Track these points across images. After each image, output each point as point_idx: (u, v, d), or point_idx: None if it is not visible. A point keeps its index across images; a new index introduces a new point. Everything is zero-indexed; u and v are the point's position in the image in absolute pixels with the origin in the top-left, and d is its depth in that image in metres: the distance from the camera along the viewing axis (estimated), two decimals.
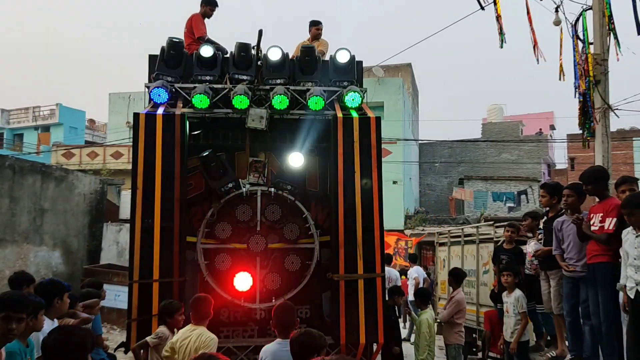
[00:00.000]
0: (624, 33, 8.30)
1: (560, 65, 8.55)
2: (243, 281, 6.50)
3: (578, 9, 8.52)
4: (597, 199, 5.63)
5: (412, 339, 8.32)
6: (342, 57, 6.78)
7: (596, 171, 5.90)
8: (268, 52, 6.68)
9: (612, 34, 8.14)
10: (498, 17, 8.27)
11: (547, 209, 6.70)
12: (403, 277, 15.25)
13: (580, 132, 8.66)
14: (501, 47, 8.38)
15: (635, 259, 4.82)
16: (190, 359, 4.42)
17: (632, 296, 4.84)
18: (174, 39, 6.68)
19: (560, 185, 6.80)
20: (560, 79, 8.56)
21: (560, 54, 8.51)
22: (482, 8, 8.42)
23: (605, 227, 5.27)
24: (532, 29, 8.34)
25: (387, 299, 7.41)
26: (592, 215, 5.56)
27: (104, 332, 7.43)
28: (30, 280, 5.32)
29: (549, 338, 7.69)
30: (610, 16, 8.13)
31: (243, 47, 6.70)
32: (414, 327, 7.93)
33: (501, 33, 8.35)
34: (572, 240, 5.83)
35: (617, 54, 8.16)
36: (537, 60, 8.54)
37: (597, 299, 5.40)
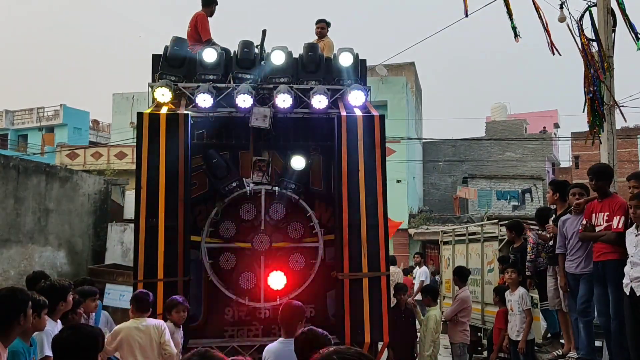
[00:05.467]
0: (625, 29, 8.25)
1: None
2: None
3: (583, 5, 8.49)
4: (598, 197, 5.62)
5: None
6: (346, 60, 6.76)
7: (605, 167, 6.04)
8: (271, 54, 6.66)
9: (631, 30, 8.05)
10: (509, 13, 8.22)
11: (554, 206, 6.68)
12: (410, 275, 15.24)
13: (586, 130, 8.60)
14: (517, 40, 8.34)
15: (632, 256, 4.86)
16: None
17: (627, 292, 4.87)
18: (178, 39, 6.69)
19: (565, 183, 6.77)
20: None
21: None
22: (467, 15, 8.43)
23: (614, 226, 5.27)
24: (543, 24, 8.26)
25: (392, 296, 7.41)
26: (594, 214, 5.54)
27: (106, 331, 7.39)
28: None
29: (549, 335, 7.66)
30: (624, 12, 8.07)
31: (246, 46, 6.70)
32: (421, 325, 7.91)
33: (514, 27, 8.30)
34: (577, 239, 5.82)
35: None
36: (553, 53, 8.44)
37: (604, 297, 5.38)
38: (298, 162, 6.62)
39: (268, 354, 4.41)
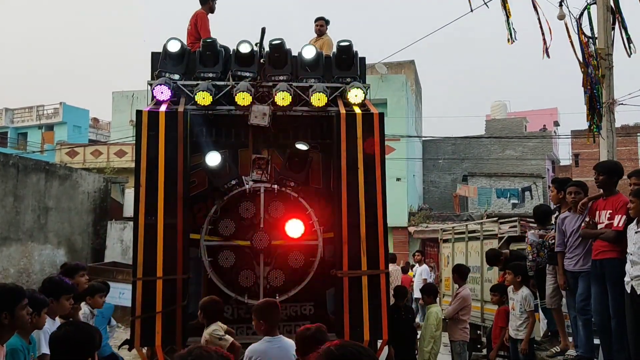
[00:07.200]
0: (629, 28, 8.23)
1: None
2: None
3: (582, 3, 8.48)
4: (603, 194, 5.60)
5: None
6: (343, 46, 6.77)
7: (614, 164, 5.96)
8: (270, 43, 6.67)
9: (622, 31, 8.06)
10: (507, 14, 8.21)
11: (557, 205, 6.64)
12: (411, 273, 15.28)
13: (586, 128, 8.60)
14: (510, 42, 8.34)
15: (631, 254, 4.85)
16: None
17: (628, 290, 4.87)
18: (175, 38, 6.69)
19: (568, 181, 6.74)
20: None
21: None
22: (472, 10, 8.42)
23: (615, 224, 5.25)
24: (540, 25, 8.27)
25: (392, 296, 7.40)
26: (597, 212, 5.53)
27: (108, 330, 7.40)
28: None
29: (549, 333, 7.65)
30: (620, 12, 8.06)
31: (245, 45, 6.69)
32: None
33: (510, 29, 8.30)
34: (576, 237, 5.81)
35: (628, 51, 8.07)
36: (543, 56, 8.45)
37: (601, 296, 5.37)
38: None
39: (255, 354, 4.28)
